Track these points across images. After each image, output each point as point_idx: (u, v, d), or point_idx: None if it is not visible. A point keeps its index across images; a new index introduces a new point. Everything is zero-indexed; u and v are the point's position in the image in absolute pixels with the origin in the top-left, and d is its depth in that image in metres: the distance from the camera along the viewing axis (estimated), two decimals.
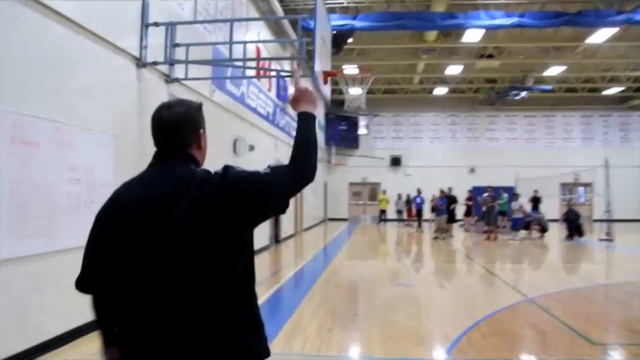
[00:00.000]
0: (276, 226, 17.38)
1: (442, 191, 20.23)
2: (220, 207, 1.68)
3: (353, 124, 32.36)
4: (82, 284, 1.81)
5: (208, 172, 1.79)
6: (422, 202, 22.14)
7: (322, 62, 7.99)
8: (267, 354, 1.79)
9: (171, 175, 1.76)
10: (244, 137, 12.92)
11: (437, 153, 31.88)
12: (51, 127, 5.69)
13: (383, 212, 26.69)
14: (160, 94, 8.59)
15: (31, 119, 5.33)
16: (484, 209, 20.83)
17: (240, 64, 9.94)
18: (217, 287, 1.67)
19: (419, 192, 23.57)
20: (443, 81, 28.28)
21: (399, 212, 25.47)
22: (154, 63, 7.77)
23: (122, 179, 1.94)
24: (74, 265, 1.93)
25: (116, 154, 7.03)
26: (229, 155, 12.15)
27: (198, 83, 10.10)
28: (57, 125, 5.81)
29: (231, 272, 1.70)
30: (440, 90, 29.80)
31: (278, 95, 17.40)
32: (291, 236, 19.61)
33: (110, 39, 6.79)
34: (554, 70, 24.39)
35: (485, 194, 20.24)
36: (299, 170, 1.79)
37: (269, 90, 16.09)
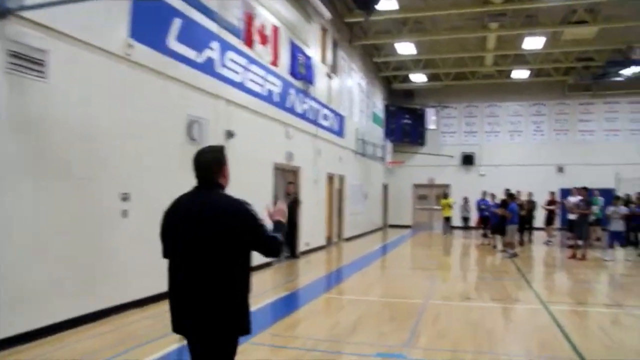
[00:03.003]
0: (291, 238, 13.74)
1: (511, 195, 15.59)
2: (231, 230, 2.81)
3: (418, 117, 28.13)
4: (163, 254, 3.00)
5: (238, 205, 2.89)
6: (488, 207, 17.59)
7: None
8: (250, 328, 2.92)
9: (205, 196, 2.95)
10: (208, 119, 9.38)
11: (517, 149, 26.82)
12: None
13: (448, 219, 22.06)
14: None
15: None
16: (572, 216, 16.03)
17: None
18: (226, 264, 2.80)
19: (484, 195, 18.97)
20: (522, 61, 23.30)
21: (465, 219, 20.88)
22: None
23: None
24: None
25: None
26: (180, 143, 8.68)
27: (92, 32, 6.68)
28: None
29: (234, 260, 2.82)
30: (519, 73, 24.80)
31: (295, 73, 13.75)
32: (320, 248, 15.89)
33: None
34: None
35: (576, 198, 15.42)
36: (273, 251, 2.90)
37: (274, 64, 12.47)
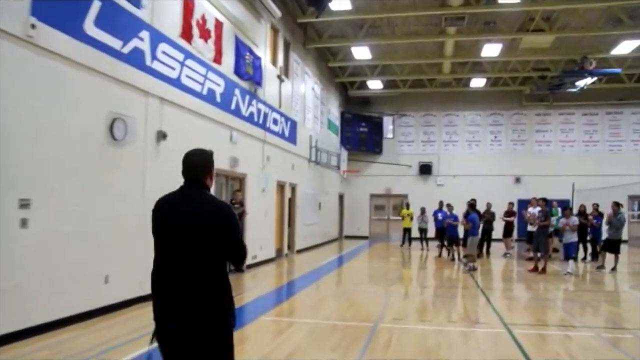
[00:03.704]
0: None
1: (472, 205, 14.95)
2: (215, 230, 2.92)
3: (376, 126, 27.47)
4: (155, 249, 3.03)
5: (224, 207, 3.07)
6: (445, 218, 16.92)
7: None
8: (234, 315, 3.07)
9: (192, 196, 3.03)
10: (134, 118, 8.30)
11: (475, 159, 26.47)
12: None
13: (407, 230, 21.29)
14: None
15: None
16: (531, 228, 15.52)
17: None
18: (210, 258, 2.90)
19: (440, 205, 18.31)
20: (480, 69, 22.97)
21: (423, 230, 20.18)
22: None
23: None
24: None
25: None
26: (100, 142, 7.58)
27: None
28: None
29: (215, 255, 2.91)
30: (477, 82, 24.47)
31: (241, 73, 12.76)
32: (269, 260, 14.87)
33: None
34: (625, 47, 18.77)
35: (535, 209, 14.82)
36: (241, 260, 3.06)
37: (217, 61, 11.46)
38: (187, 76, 10.09)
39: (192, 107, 10.31)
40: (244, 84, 13.05)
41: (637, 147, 25.76)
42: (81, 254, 7.16)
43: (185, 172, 3.11)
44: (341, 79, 24.62)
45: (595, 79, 21.57)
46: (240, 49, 12.84)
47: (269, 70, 15.10)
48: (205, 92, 10.86)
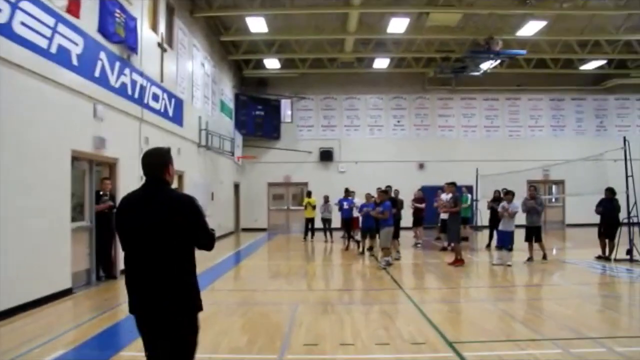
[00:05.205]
0: (105, 252, 10.23)
1: (385, 191, 13.24)
2: (180, 223, 3.11)
3: (273, 109, 25.47)
4: (122, 247, 3.23)
5: (186, 199, 3.23)
6: (351, 205, 15.33)
7: None
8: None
9: (153, 193, 3.19)
10: None
11: (377, 145, 25.36)
12: None
13: (310, 221, 19.52)
14: None
15: None
16: (444, 216, 14.34)
17: None
18: (176, 250, 3.10)
19: (347, 193, 16.77)
20: (384, 49, 21.59)
21: (326, 220, 18.58)
22: None
23: None
24: None
25: None
26: None
27: None
28: None
29: (182, 246, 3.12)
30: (381, 63, 23.14)
31: (108, 33, 10.21)
32: None
33: None
34: (531, 28, 18.18)
35: (448, 195, 13.56)
36: (209, 245, 3.26)
37: (73, 13, 8.88)
38: (24, 24, 7.49)
39: (33, 67, 7.72)
40: (113, 48, 10.52)
41: (533, 133, 25.99)
42: None
43: (145, 171, 3.27)
44: (235, 57, 22.31)
45: (498, 61, 21.07)
46: (107, 3, 10.29)
47: (148, 37, 12.62)
48: (54, 49, 8.27)
